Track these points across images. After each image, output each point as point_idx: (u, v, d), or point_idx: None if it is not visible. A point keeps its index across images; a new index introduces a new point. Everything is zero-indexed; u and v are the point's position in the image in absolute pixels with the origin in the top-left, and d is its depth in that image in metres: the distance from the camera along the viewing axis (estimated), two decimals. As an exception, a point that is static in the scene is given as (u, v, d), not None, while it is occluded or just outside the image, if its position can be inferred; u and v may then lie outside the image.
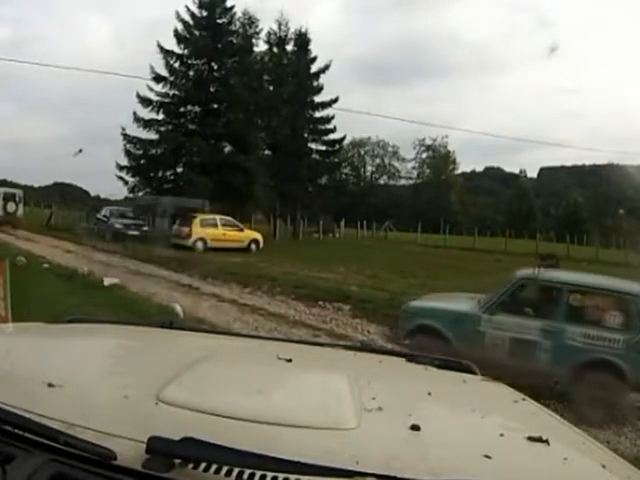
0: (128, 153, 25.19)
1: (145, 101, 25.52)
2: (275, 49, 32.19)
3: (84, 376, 1.05)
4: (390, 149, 63.62)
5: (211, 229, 19.91)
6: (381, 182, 64.56)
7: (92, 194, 50.58)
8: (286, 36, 32.32)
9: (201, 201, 21.39)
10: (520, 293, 6.27)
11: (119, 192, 27.33)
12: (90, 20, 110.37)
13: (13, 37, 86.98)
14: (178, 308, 8.16)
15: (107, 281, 10.12)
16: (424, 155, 64.03)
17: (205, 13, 26.32)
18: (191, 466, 0.73)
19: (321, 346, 1.76)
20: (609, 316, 5.45)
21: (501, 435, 0.93)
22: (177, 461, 0.73)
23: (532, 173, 76.10)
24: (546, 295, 6.03)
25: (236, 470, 0.72)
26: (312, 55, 32.15)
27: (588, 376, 5.35)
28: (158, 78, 25.75)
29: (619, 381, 5.17)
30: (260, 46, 30.40)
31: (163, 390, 0.91)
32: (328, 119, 32.66)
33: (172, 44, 25.93)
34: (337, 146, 34.40)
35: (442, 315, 6.25)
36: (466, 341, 5.74)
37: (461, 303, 6.52)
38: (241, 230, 21.07)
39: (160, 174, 25.77)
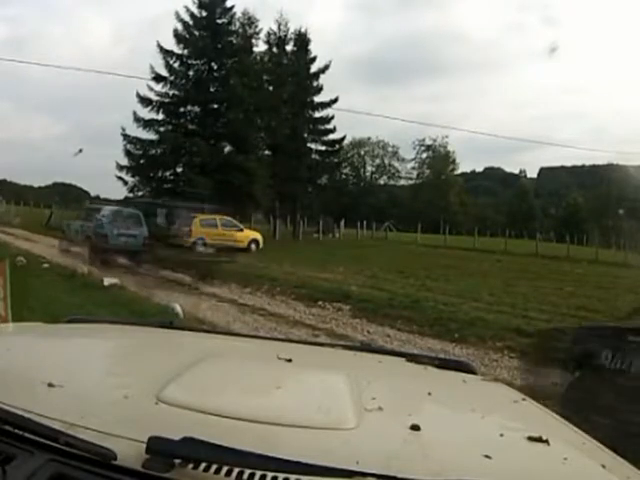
0: (128, 153, 25.17)
1: (145, 101, 25.50)
2: (275, 49, 32.17)
3: (84, 376, 1.05)
4: (390, 149, 63.69)
5: (211, 229, 19.93)
6: (381, 182, 64.59)
7: (92, 194, 50.60)
8: (286, 36, 32.31)
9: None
10: (87, 215, 17.31)
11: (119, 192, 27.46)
12: (90, 20, 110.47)
13: (13, 36, 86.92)
14: (178, 308, 8.16)
15: (107, 281, 10.13)
16: (424, 155, 64.10)
17: (205, 13, 26.30)
18: (191, 466, 0.73)
19: (321, 346, 1.76)
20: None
21: (501, 435, 0.93)
22: (177, 461, 0.73)
23: (532, 173, 76.31)
24: (91, 214, 16.48)
25: (236, 470, 0.72)
26: (312, 55, 32.14)
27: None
28: (158, 78, 25.73)
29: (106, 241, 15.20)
30: (260, 46, 30.52)
31: (163, 390, 0.91)
32: (328, 119, 32.62)
33: (172, 44, 25.97)
34: (337, 146, 34.32)
35: (73, 226, 16.99)
36: (76, 235, 16.28)
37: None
38: (241, 230, 21.08)
39: (160, 174, 25.73)
